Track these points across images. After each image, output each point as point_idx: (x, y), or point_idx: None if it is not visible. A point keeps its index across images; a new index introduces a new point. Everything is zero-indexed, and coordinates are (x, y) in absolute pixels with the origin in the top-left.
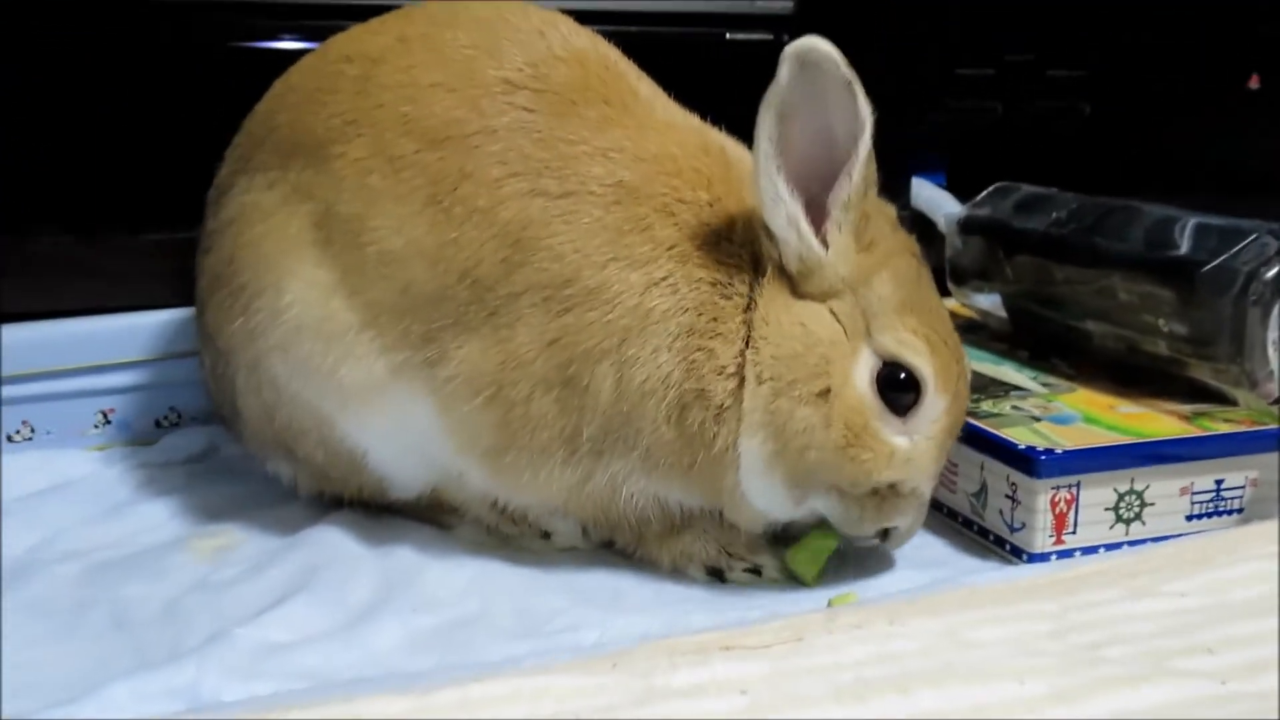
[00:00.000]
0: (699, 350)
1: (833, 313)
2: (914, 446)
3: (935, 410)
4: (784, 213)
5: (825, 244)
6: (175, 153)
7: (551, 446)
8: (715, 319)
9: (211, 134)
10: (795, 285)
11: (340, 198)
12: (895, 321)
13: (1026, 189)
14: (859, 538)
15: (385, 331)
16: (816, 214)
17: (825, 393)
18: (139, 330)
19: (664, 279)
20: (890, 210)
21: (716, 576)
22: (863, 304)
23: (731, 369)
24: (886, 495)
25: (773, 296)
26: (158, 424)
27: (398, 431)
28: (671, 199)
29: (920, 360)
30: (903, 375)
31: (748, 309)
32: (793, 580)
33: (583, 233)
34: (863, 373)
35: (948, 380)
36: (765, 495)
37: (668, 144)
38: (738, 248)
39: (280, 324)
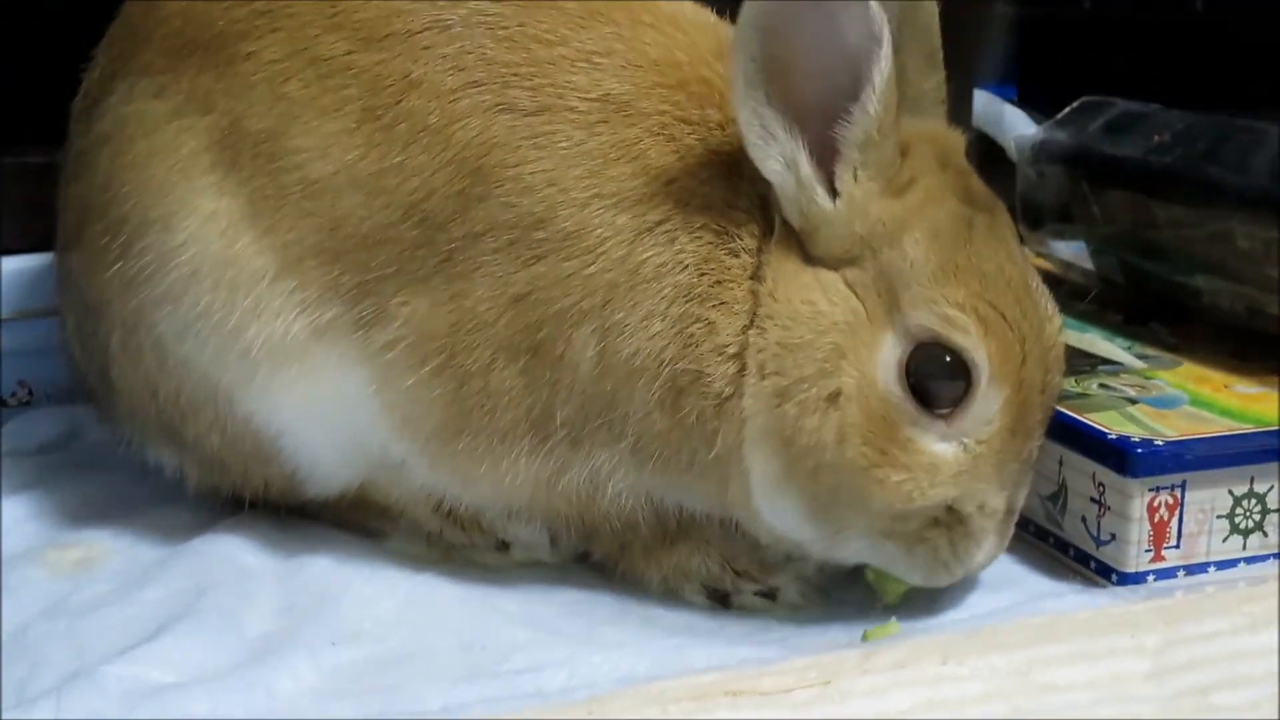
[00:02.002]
0: (697, 322)
1: (848, 284)
2: (964, 454)
3: (990, 407)
4: (777, 154)
5: (834, 193)
6: (30, 50)
7: (516, 430)
8: (719, 282)
9: (79, 25)
10: (804, 245)
11: (249, 110)
12: (932, 292)
13: (1120, 105)
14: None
15: (307, 282)
16: (827, 151)
17: (835, 396)
18: None
19: (659, 224)
20: (951, 140)
21: (720, 601)
22: (889, 271)
23: (733, 349)
24: (951, 524)
25: (782, 260)
26: (3, 402)
27: (320, 410)
28: (672, 118)
29: (966, 340)
30: (947, 358)
31: (755, 275)
32: (819, 606)
33: (559, 160)
34: (887, 363)
35: (1007, 366)
36: (788, 523)
37: (671, 46)
38: (749, 185)
39: (170, 269)
